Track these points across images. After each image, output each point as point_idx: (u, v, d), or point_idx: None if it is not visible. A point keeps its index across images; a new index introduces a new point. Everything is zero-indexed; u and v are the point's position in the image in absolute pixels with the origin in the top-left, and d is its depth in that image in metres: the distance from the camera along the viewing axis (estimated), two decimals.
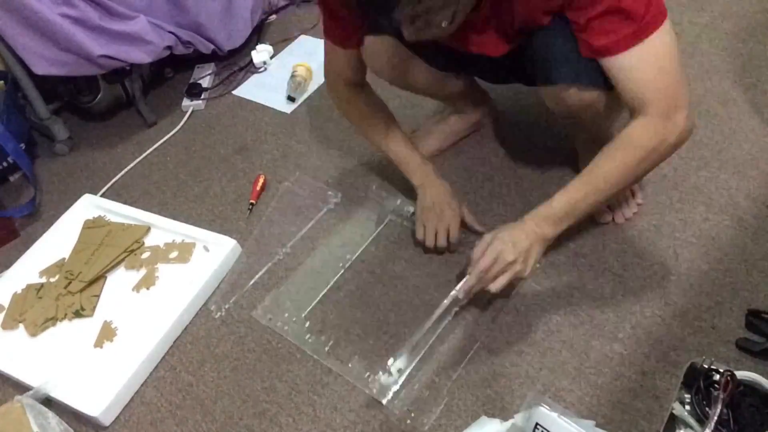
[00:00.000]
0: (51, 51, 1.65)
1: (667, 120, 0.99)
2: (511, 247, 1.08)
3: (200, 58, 2.02)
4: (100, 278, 1.44)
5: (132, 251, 1.48)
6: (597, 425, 1.05)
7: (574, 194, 1.07)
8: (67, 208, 1.64)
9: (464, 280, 1.12)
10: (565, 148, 1.48)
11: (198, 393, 1.24)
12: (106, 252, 1.48)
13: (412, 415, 1.13)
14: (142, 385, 1.27)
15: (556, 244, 1.33)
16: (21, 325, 1.40)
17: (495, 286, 1.11)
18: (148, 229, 1.53)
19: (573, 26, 1.01)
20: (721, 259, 1.27)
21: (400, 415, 1.14)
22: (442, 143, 1.58)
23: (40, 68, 1.67)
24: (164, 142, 1.83)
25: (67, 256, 1.52)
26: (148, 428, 1.21)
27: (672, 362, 1.13)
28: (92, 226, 1.57)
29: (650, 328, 1.19)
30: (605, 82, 1.05)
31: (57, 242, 1.56)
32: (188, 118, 1.89)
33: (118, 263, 1.47)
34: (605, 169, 1.05)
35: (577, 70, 1.07)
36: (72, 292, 1.42)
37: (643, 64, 0.98)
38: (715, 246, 1.29)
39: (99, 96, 1.85)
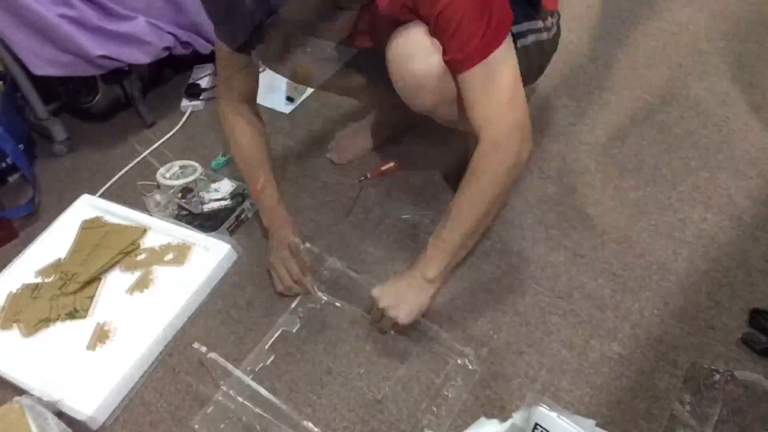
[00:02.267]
0: (50, 51, 1.64)
1: (506, 143, 1.04)
2: (393, 304, 1.17)
3: (199, 59, 2.02)
4: (95, 280, 1.44)
5: (128, 252, 1.48)
6: (597, 425, 1.05)
7: (449, 237, 1.13)
8: (65, 208, 1.63)
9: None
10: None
11: (197, 393, 1.24)
12: (103, 253, 1.48)
13: (412, 414, 1.13)
14: (141, 386, 1.27)
15: (555, 244, 1.34)
16: (16, 325, 1.39)
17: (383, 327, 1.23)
18: (145, 230, 1.52)
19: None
20: (721, 259, 1.27)
21: (400, 416, 1.14)
22: (363, 144, 1.61)
23: (39, 69, 1.67)
24: (163, 142, 1.82)
25: (63, 256, 1.51)
26: (148, 429, 1.21)
27: (671, 362, 1.13)
28: (90, 226, 1.56)
29: (649, 328, 1.19)
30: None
31: (54, 242, 1.56)
32: (187, 119, 1.89)
33: (114, 264, 1.46)
34: (467, 206, 1.10)
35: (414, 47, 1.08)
36: (66, 293, 1.41)
37: (482, 86, 1.03)
38: (715, 246, 1.29)
39: (98, 96, 1.85)
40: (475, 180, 1.08)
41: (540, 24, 1.27)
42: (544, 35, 1.28)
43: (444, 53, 1.05)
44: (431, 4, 1.01)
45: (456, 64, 1.05)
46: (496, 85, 1.03)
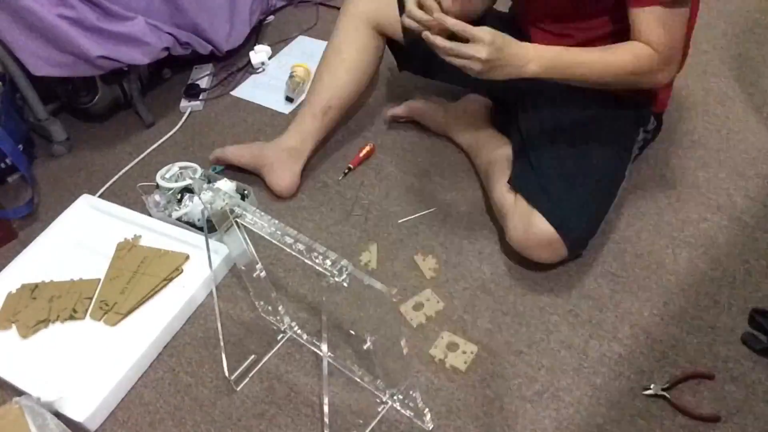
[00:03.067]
0: (49, 52, 1.64)
1: (662, 63, 1.14)
2: (499, 61, 1.08)
3: (198, 59, 2.01)
4: (95, 283, 1.44)
5: (171, 279, 1.42)
6: (597, 425, 1.05)
7: (577, 58, 1.14)
8: (65, 208, 1.63)
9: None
10: None
11: (197, 394, 1.24)
12: (144, 281, 1.41)
13: (412, 415, 1.13)
14: (141, 386, 1.27)
15: None
16: (14, 326, 1.39)
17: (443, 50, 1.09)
18: (187, 257, 1.45)
19: None
20: (720, 258, 1.27)
21: (400, 416, 1.13)
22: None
23: (38, 69, 1.67)
24: (162, 142, 1.82)
25: (58, 259, 1.51)
26: (147, 429, 1.21)
27: (671, 362, 1.13)
28: (125, 251, 1.50)
29: (649, 328, 1.19)
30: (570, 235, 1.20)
31: (54, 243, 1.56)
32: (186, 119, 1.89)
33: (157, 293, 1.40)
34: (605, 59, 1.15)
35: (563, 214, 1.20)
36: (108, 323, 1.36)
37: (658, 24, 1.11)
38: (714, 246, 1.29)
39: (97, 97, 1.84)
40: (627, 59, 1.14)
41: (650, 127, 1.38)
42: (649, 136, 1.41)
43: None
44: None
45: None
46: (670, 27, 1.12)
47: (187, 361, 1.29)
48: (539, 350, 1.19)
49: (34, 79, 1.74)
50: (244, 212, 1.00)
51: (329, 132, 1.62)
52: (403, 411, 1.13)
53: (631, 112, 1.32)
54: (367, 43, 1.52)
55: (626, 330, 1.19)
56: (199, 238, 1.47)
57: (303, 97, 1.86)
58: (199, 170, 1.62)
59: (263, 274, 1.18)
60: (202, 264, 1.43)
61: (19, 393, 1.22)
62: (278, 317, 1.27)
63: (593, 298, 1.25)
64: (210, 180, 1.59)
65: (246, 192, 1.53)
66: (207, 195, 1.04)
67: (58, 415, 1.19)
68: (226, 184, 1.55)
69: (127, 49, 1.72)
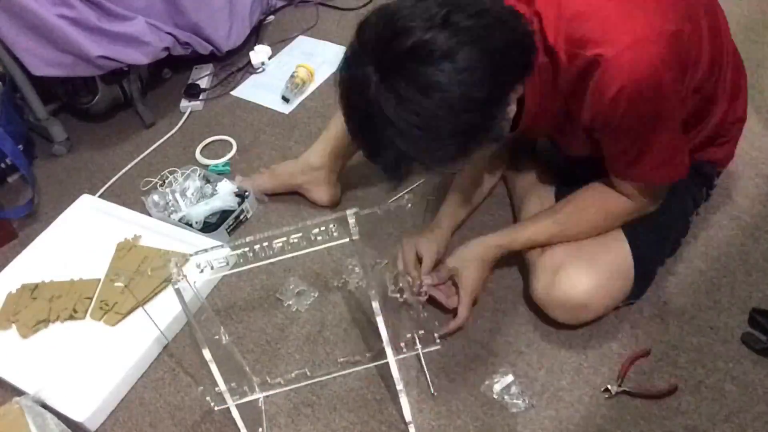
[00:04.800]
0: (49, 52, 1.64)
1: (639, 204, 1.10)
2: (478, 287, 1.20)
3: (198, 59, 2.01)
4: (96, 283, 1.44)
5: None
6: (597, 425, 1.05)
7: (541, 231, 1.15)
8: (65, 208, 1.63)
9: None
10: None
11: (197, 394, 1.24)
12: (144, 281, 1.40)
13: (413, 414, 1.13)
14: (141, 386, 1.27)
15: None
16: (14, 326, 1.39)
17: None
18: (188, 258, 1.47)
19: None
20: (720, 258, 1.27)
21: (400, 416, 1.13)
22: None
23: (38, 69, 1.67)
24: (162, 142, 1.82)
25: (54, 261, 1.50)
26: (147, 429, 1.21)
27: (671, 362, 1.13)
28: (125, 251, 1.50)
29: (649, 328, 1.19)
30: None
31: (54, 243, 1.56)
32: (186, 119, 1.89)
33: (158, 293, 1.40)
34: (574, 222, 1.14)
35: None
36: (108, 323, 1.36)
37: (642, 192, 1.08)
38: (714, 246, 1.29)
39: (97, 97, 1.84)
40: (601, 217, 1.12)
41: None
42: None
43: (613, 161, 1.06)
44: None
45: (623, 175, 1.07)
46: (652, 192, 1.10)
47: (187, 361, 1.29)
48: (539, 350, 1.19)
49: (34, 79, 1.74)
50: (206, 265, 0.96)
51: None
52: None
53: (698, 174, 1.22)
54: None
55: (626, 330, 1.19)
56: (198, 238, 1.47)
57: (301, 98, 1.86)
58: (198, 170, 1.62)
59: (226, 338, 1.11)
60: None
61: (19, 393, 1.22)
62: (247, 387, 1.17)
63: None
64: (209, 180, 1.59)
65: (246, 193, 1.53)
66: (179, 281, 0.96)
67: (59, 415, 1.19)
68: (226, 185, 1.55)
69: (127, 49, 1.72)
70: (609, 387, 1.09)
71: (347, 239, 0.89)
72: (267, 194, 1.56)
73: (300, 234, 0.91)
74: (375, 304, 0.93)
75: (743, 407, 1.06)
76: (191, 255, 0.95)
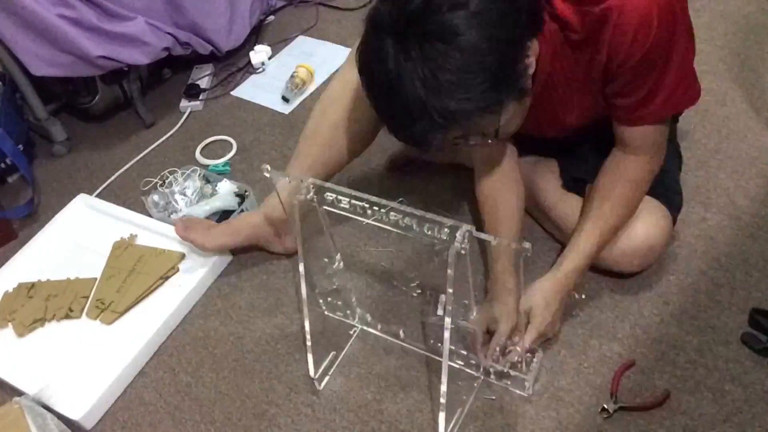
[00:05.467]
0: (49, 52, 1.64)
1: (656, 157, 1.13)
2: (549, 323, 1.13)
3: (198, 59, 2.01)
4: (92, 282, 1.44)
5: (167, 278, 1.41)
6: (597, 425, 1.05)
7: (592, 241, 1.14)
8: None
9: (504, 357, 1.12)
10: None
11: (197, 394, 1.24)
12: (140, 280, 1.41)
13: (412, 415, 1.13)
14: (141, 386, 1.27)
15: (554, 244, 1.34)
16: (10, 325, 1.39)
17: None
18: (183, 256, 1.45)
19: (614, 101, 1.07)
20: (720, 258, 1.27)
21: (399, 416, 1.13)
22: None
23: (38, 69, 1.67)
24: (162, 142, 1.82)
25: (51, 263, 1.50)
26: (147, 429, 1.21)
27: (671, 362, 1.13)
28: (121, 250, 1.49)
29: (649, 328, 1.19)
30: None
31: (50, 242, 1.55)
32: (186, 119, 1.89)
33: (153, 291, 1.40)
34: (611, 213, 1.13)
35: None
36: (105, 322, 1.36)
37: (654, 133, 1.10)
38: (714, 246, 1.29)
39: (97, 97, 1.84)
40: (626, 187, 1.13)
41: None
42: None
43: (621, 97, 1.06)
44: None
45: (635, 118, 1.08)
46: (663, 130, 1.11)
47: (186, 361, 1.29)
48: (539, 350, 1.19)
49: (34, 79, 1.74)
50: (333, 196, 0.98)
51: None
52: (497, 382, 1.14)
53: None
54: (364, 109, 1.21)
55: (626, 330, 1.19)
56: None
57: (301, 98, 1.86)
58: (198, 170, 1.62)
59: (341, 265, 1.14)
60: (197, 263, 1.43)
61: (15, 392, 1.22)
62: (349, 311, 1.25)
63: (593, 297, 1.24)
64: (209, 180, 1.59)
65: (247, 193, 1.53)
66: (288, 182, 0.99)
67: (54, 414, 1.19)
68: (226, 185, 1.55)
69: (127, 49, 1.72)
70: (605, 406, 1.08)
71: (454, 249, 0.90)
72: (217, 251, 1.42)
73: (415, 221, 0.91)
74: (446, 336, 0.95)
75: (743, 407, 1.06)
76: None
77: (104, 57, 1.67)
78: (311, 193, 1.01)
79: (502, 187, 1.23)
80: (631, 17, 0.94)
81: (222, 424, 1.18)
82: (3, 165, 1.76)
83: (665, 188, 1.21)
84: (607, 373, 1.13)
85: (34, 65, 1.66)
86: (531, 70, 0.96)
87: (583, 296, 1.21)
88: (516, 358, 1.10)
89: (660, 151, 1.14)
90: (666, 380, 1.11)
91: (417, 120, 0.88)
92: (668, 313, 1.20)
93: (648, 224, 1.17)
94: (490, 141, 0.99)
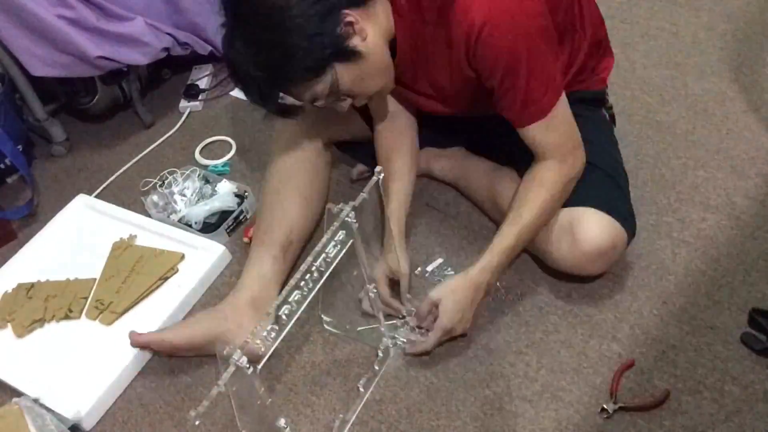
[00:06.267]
0: (48, 52, 1.64)
1: (566, 161, 1.14)
2: (458, 318, 1.16)
3: (198, 59, 2.01)
4: (91, 283, 1.44)
5: (167, 278, 1.41)
6: (597, 425, 1.05)
7: (508, 242, 1.16)
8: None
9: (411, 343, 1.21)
10: None
11: (197, 394, 1.24)
12: (140, 280, 1.41)
13: (412, 415, 1.13)
14: (140, 387, 1.27)
15: None
16: (9, 325, 1.39)
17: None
18: (183, 256, 1.45)
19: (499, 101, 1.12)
20: (719, 258, 1.27)
21: (399, 416, 1.13)
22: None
23: (37, 69, 1.67)
24: (162, 143, 1.82)
25: (49, 261, 1.50)
26: (147, 429, 1.21)
27: (671, 362, 1.13)
28: (121, 250, 1.49)
29: (648, 328, 1.19)
30: None
31: (50, 243, 1.55)
32: (186, 119, 1.89)
33: (153, 291, 1.40)
34: (527, 216, 1.15)
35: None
36: (104, 323, 1.36)
37: (547, 132, 1.12)
38: (713, 246, 1.29)
39: (96, 97, 1.84)
40: (542, 194, 1.14)
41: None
42: None
43: (506, 110, 1.13)
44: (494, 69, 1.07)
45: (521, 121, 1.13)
46: (559, 125, 1.13)
47: (186, 361, 1.29)
48: (539, 350, 1.19)
49: (34, 80, 1.74)
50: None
51: (291, 268, 1.33)
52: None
53: (589, 98, 1.31)
54: (317, 162, 1.38)
55: (626, 330, 1.19)
56: (194, 238, 1.47)
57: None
58: (198, 171, 1.62)
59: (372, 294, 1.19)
60: (197, 263, 1.43)
61: (15, 392, 1.22)
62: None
63: (593, 298, 1.24)
64: (209, 180, 1.59)
65: (246, 193, 1.53)
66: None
67: (54, 415, 1.19)
68: (225, 185, 1.55)
69: (126, 50, 1.72)
70: (605, 406, 1.08)
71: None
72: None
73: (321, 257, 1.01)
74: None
75: (743, 407, 1.06)
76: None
77: (103, 57, 1.67)
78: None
79: (394, 146, 1.34)
80: (474, 9, 1.02)
81: (222, 425, 1.18)
82: (2, 165, 1.76)
83: (606, 195, 1.20)
84: (606, 373, 1.13)
85: (33, 65, 1.66)
86: (362, 37, 1.05)
87: (512, 298, 1.26)
88: (420, 349, 1.19)
89: (569, 155, 1.14)
90: (666, 380, 1.11)
91: (253, 89, 1.09)
92: (668, 313, 1.20)
93: (586, 230, 1.16)
94: (347, 99, 1.12)
